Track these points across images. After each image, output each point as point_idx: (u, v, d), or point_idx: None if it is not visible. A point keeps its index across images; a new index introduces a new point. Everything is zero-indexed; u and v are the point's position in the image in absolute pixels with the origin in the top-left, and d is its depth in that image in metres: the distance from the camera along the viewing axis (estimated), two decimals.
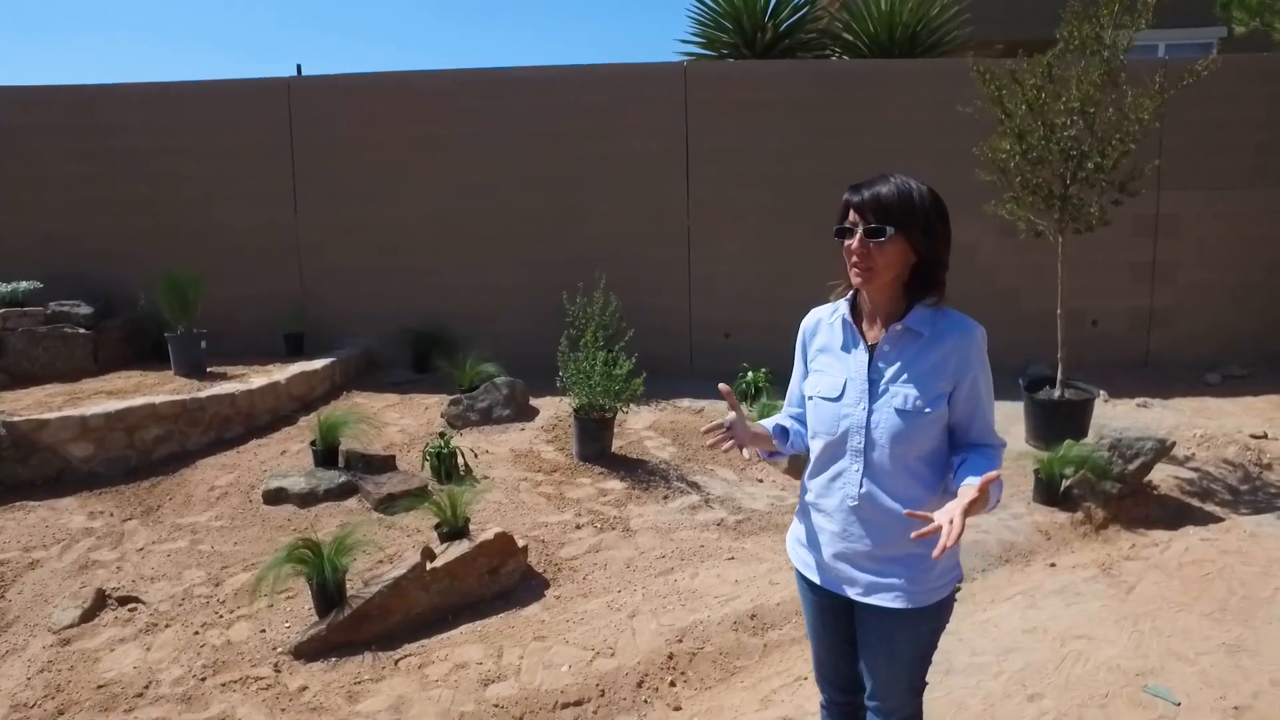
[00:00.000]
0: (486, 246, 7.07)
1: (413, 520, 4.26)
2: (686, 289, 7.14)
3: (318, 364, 6.26)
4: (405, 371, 7.05)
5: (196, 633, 3.39)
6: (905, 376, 1.64)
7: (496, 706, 2.91)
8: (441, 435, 4.93)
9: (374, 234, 7.06)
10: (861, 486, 1.67)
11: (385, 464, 4.82)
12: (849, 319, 1.73)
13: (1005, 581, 3.71)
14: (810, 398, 1.77)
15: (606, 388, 5.05)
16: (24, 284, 6.56)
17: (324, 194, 7.02)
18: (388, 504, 4.39)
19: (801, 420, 1.88)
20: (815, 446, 1.76)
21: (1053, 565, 3.84)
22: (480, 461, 5.12)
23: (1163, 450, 4.35)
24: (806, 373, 1.84)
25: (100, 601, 3.58)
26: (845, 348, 1.74)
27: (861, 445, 1.67)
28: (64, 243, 7.00)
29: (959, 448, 1.69)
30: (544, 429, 5.73)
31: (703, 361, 7.14)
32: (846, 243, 1.64)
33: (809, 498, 1.79)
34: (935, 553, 1.42)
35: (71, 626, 3.43)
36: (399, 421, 5.86)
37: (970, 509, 1.46)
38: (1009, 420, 5.83)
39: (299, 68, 7.20)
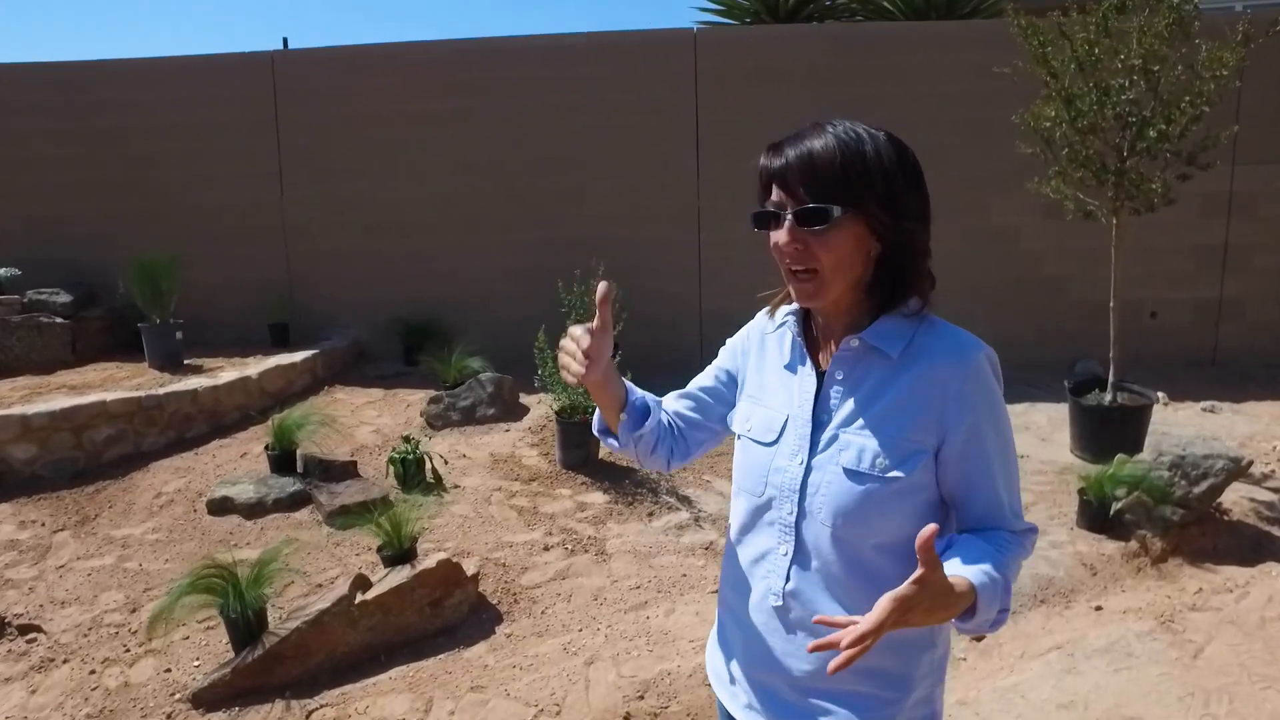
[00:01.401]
0: (482, 229, 6.59)
1: (365, 536, 3.82)
2: (697, 275, 6.57)
3: (296, 357, 5.87)
4: (396, 364, 6.63)
5: (94, 671, 2.99)
6: (861, 420, 1.09)
7: None
8: (407, 440, 4.48)
9: (364, 216, 6.64)
10: (788, 580, 1.12)
11: (345, 471, 4.39)
12: (797, 331, 1.19)
13: (1039, 629, 3.11)
14: (740, 436, 1.23)
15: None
16: (1, 271, 6.30)
17: (312, 174, 6.62)
18: (340, 517, 3.95)
19: (685, 420, 1.31)
20: (736, 508, 1.22)
21: (1098, 609, 3.22)
22: (454, 468, 4.66)
23: (1237, 470, 3.67)
24: (723, 379, 1.30)
25: None
26: (791, 367, 1.19)
27: (792, 518, 1.12)
28: (47, 226, 6.71)
29: (959, 530, 1.13)
30: (530, 430, 5.25)
31: (714, 355, 6.56)
32: (772, 236, 1.09)
33: (726, 582, 1.25)
34: (830, 667, 0.89)
35: None
36: (376, 420, 5.44)
37: (905, 608, 0.89)
38: (1053, 426, 5.17)
39: (285, 41, 6.79)
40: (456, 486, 4.46)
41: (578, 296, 5.79)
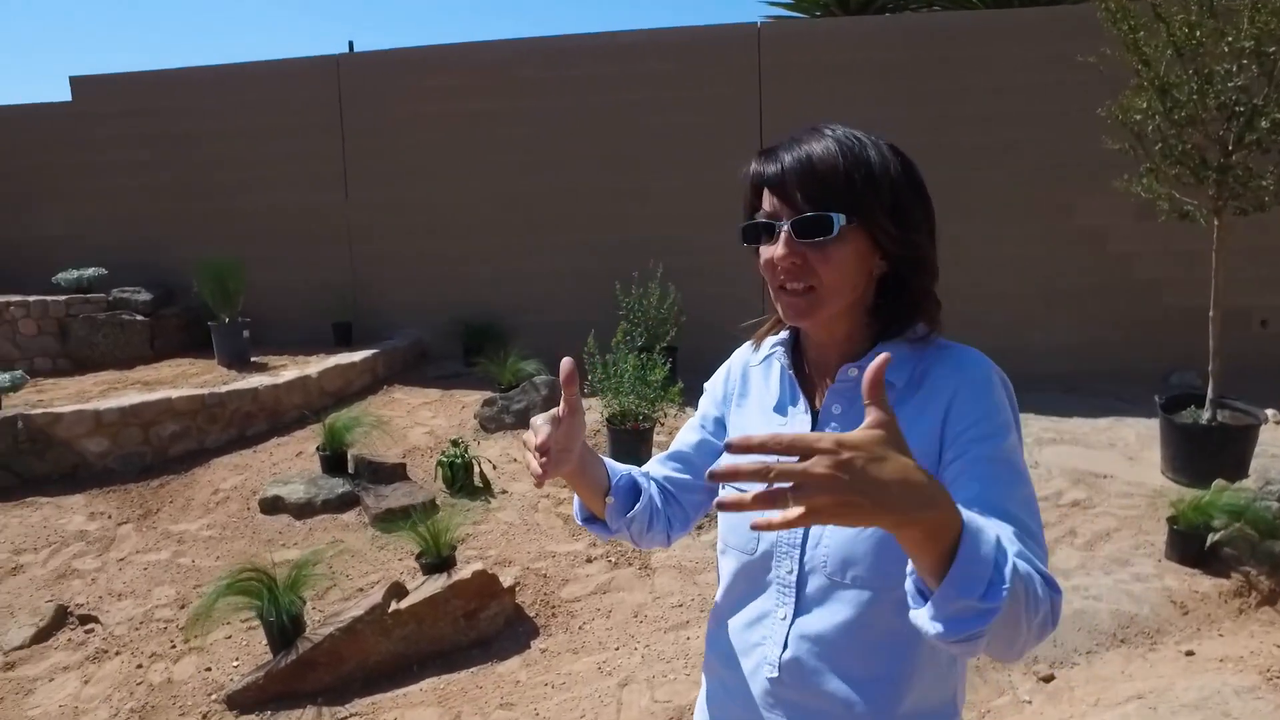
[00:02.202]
0: (541, 230, 6.56)
1: (408, 541, 3.80)
2: (760, 280, 6.36)
3: (356, 357, 5.95)
4: (455, 364, 6.67)
5: (140, 665, 3.04)
6: None
7: None
8: (455, 444, 4.46)
9: (425, 217, 6.70)
10: (786, 648, 0.97)
11: (394, 473, 4.39)
12: (787, 364, 1.04)
13: (1117, 673, 2.82)
14: (723, 486, 1.08)
15: (641, 394, 4.42)
16: (90, 271, 6.63)
17: (375, 176, 6.72)
18: (386, 520, 3.96)
19: (675, 484, 1.14)
20: (724, 567, 1.08)
21: (1189, 654, 2.90)
22: (503, 472, 4.61)
23: None
24: (710, 428, 1.15)
25: (59, 620, 3.31)
26: (781, 408, 1.05)
27: (793, 576, 0.97)
28: (128, 228, 7.02)
29: None
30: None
31: None
32: (764, 251, 0.96)
33: (714, 650, 1.10)
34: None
35: (22, 647, 3.17)
36: (430, 422, 5.46)
37: (844, 456, 0.64)
38: (1142, 443, 4.76)
39: (350, 44, 6.92)
40: (504, 492, 4.41)
41: (635, 299, 5.69)
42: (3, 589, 3.60)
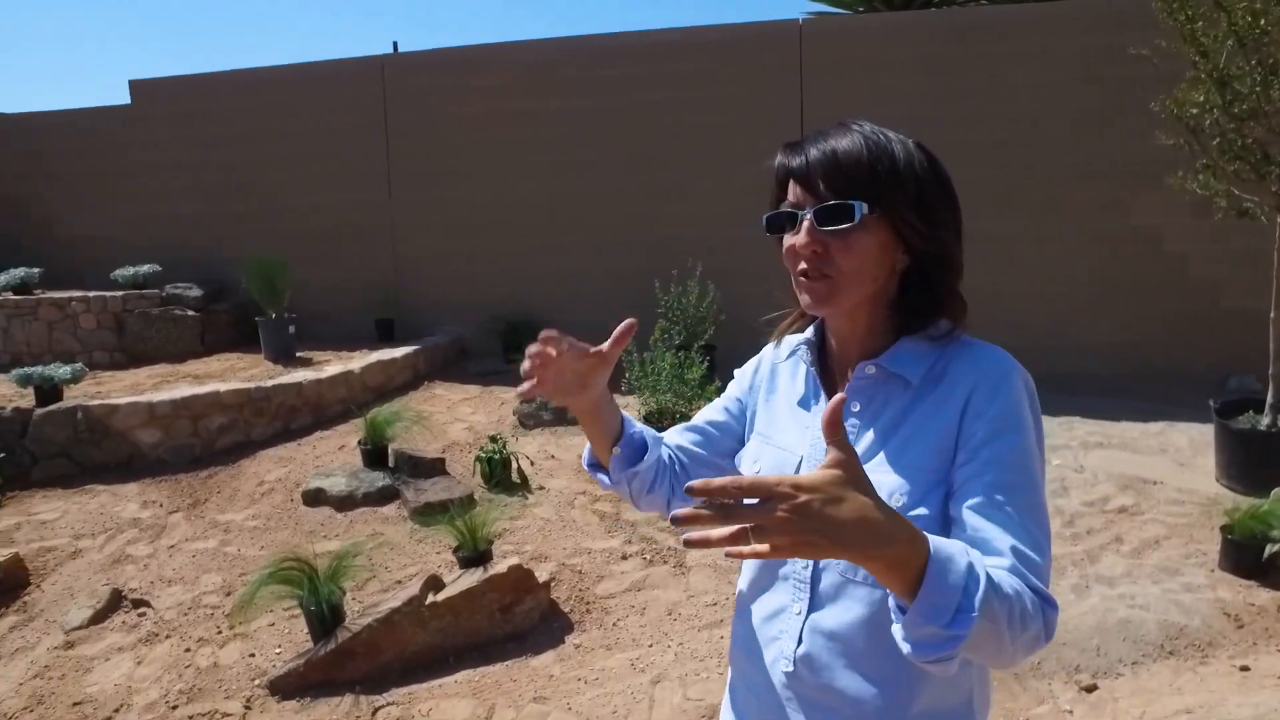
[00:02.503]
0: (581, 228, 6.59)
1: (446, 535, 3.86)
2: None
3: (398, 353, 6.06)
4: (495, 361, 6.74)
5: (189, 649, 3.14)
6: (881, 454, 0.94)
7: None
8: (493, 439, 4.51)
9: (466, 216, 6.78)
10: (800, 643, 0.97)
11: (433, 468, 4.46)
12: (810, 361, 1.05)
13: (1165, 686, 2.73)
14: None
15: (678, 392, 4.42)
16: (145, 267, 6.86)
17: (417, 175, 6.83)
18: (425, 513, 4.02)
19: (688, 455, 1.15)
20: (746, 560, 1.08)
21: (1244, 670, 2.79)
22: (540, 469, 4.65)
23: None
24: (734, 410, 1.16)
25: (114, 603, 3.44)
26: (804, 404, 1.06)
27: (808, 571, 0.98)
28: (182, 226, 7.25)
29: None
30: None
31: None
32: (787, 239, 0.96)
33: (736, 642, 1.10)
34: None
35: (80, 628, 3.31)
36: (470, 418, 5.52)
37: (800, 498, 0.67)
38: (1195, 449, 4.61)
39: (395, 45, 7.03)
40: (541, 488, 4.45)
41: (674, 298, 5.69)
42: (64, 572, 3.75)
